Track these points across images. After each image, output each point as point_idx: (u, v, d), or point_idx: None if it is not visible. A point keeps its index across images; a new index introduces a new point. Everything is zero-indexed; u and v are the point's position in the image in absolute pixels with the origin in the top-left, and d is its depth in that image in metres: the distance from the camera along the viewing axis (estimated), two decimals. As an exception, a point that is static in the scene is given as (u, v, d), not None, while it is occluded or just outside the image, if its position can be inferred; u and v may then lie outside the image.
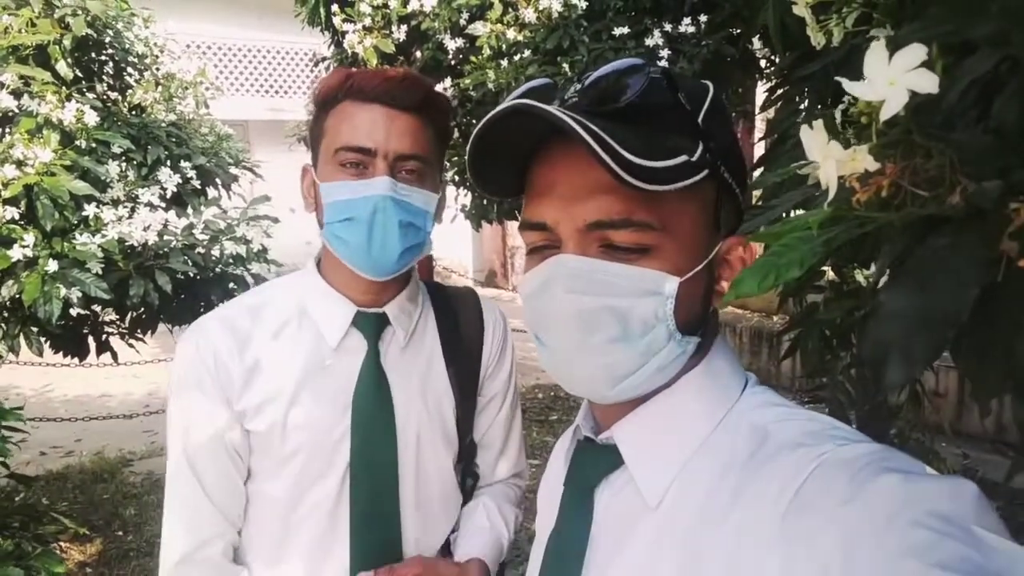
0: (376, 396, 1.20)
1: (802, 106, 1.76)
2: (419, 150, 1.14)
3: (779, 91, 2.02)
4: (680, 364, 0.70)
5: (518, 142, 0.69)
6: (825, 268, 2.08)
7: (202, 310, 2.62)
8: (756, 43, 2.84)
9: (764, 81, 3.43)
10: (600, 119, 0.62)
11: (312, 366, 1.19)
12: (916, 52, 0.41)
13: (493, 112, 0.64)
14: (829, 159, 0.43)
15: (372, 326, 1.22)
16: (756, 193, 1.55)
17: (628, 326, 0.66)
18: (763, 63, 3.16)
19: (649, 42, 2.78)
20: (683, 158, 0.65)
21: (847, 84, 0.42)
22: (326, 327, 1.20)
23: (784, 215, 1.23)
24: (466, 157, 0.70)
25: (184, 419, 1.17)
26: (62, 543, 3.60)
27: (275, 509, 1.20)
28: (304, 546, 1.19)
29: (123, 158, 2.58)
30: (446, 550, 1.29)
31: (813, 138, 0.44)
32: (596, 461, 0.77)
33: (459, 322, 1.34)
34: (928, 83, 0.41)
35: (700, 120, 0.69)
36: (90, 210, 2.28)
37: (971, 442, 4.61)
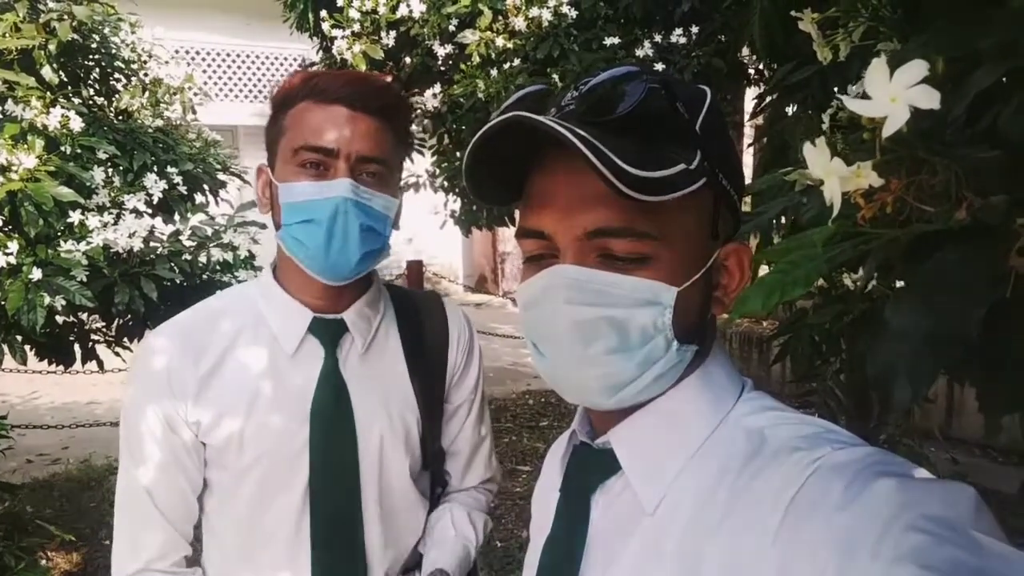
0: (335, 405, 1.18)
1: (790, 111, 1.76)
2: (381, 153, 1.12)
3: (767, 99, 2.02)
4: (679, 372, 0.70)
5: (516, 151, 0.69)
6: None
7: (189, 317, 2.59)
8: (745, 51, 2.86)
9: (752, 88, 3.45)
10: (597, 128, 0.62)
11: (269, 375, 1.16)
12: (917, 68, 0.40)
13: (489, 124, 0.64)
14: (832, 176, 0.42)
15: (329, 333, 1.19)
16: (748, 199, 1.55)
17: (627, 336, 0.66)
18: (751, 72, 3.18)
19: (639, 52, 2.79)
20: (681, 167, 0.64)
21: (848, 101, 0.41)
22: (282, 334, 1.17)
23: (772, 221, 1.23)
24: (463, 167, 0.69)
25: (135, 431, 1.15)
26: (48, 551, 3.56)
27: (235, 525, 1.17)
28: (267, 561, 1.17)
29: (109, 164, 2.56)
30: (414, 558, 1.28)
31: (815, 155, 0.43)
32: (592, 466, 0.76)
33: (423, 328, 1.31)
34: (930, 99, 0.40)
35: (698, 127, 0.68)
36: (75, 217, 2.25)
37: (961, 447, 4.63)
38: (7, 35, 2.41)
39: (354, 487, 1.19)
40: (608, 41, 2.80)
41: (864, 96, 0.40)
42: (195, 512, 1.19)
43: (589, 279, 0.66)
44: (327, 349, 1.18)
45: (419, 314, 1.33)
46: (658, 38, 2.80)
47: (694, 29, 2.78)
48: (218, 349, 1.16)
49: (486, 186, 0.73)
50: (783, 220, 1.28)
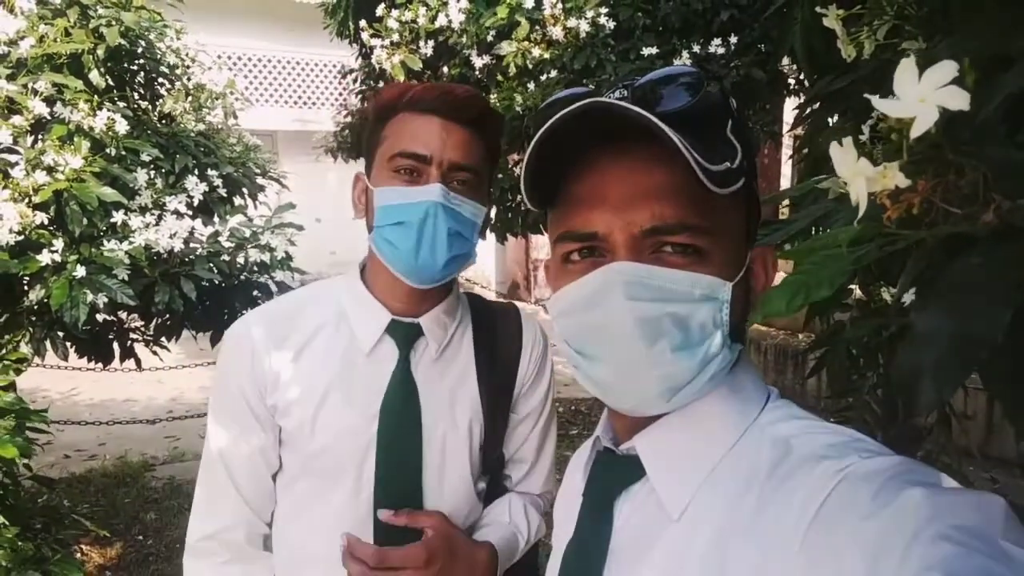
0: (404, 406, 1.21)
1: (831, 123, 1.74)
2: (471, 161, 1.16)
3: (808, 109, 2.00)
4: (726, 372, 0.69)
5: (569, 148, 0.68)
6: (852, 286, 2.05)
7: (226, 317, 2.64)
8: (785, 61, 2.84)
9: (792, 99, 3.42)
10: (663, 121, 0.61)
11: (344, 369, 1.20)
12: (947, 69, 0.40)
13: (572, 107, 0.62)
14: (859, 176, 0.42)
15: (405, 335, 1.22)
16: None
17: (688, 333, 0.66)
18: (791, 81, 3.15)
19: (677, 62, 2.78)
20: (726, 164, 0.64)
21: (876, 102, 0.41)
22: (361, 332, 1.21)
23: (813, 230, 1.22)
24: (525, 159, 0.68)
25: (219, 412, 1.22)
26: (83, 546, 3.63)
27: (300, 506, 1.21)
28: (328, 548, 1.18)
29: (151, 166, 2.61)
30: None
31: (842, 155, 0.43)
32: (616, 472, 0.76)
33: (497, 338, 1.34)
34: (959, 100, 0.40)
35: (735, 128, 0.69)
36: (118, 217, 2.30)
37: (1001, 466, 4.52)
38: (58, 40, 2.48)
39: (416, 486, 1.21)
40: (646, 51, 2.80)
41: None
42: (271, 495, 1.23)
43: (650, 275, 0.65)
44: (401, 351, 1.22)
45: (495, 324, 1.36)
46: (696, 48, 2.79)
47: (733, 39, 2.76)
48: (300, 338, 1.21)
49: (539, 184, 0.71)
50: (815, 230, 1.27)
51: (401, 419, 1.20)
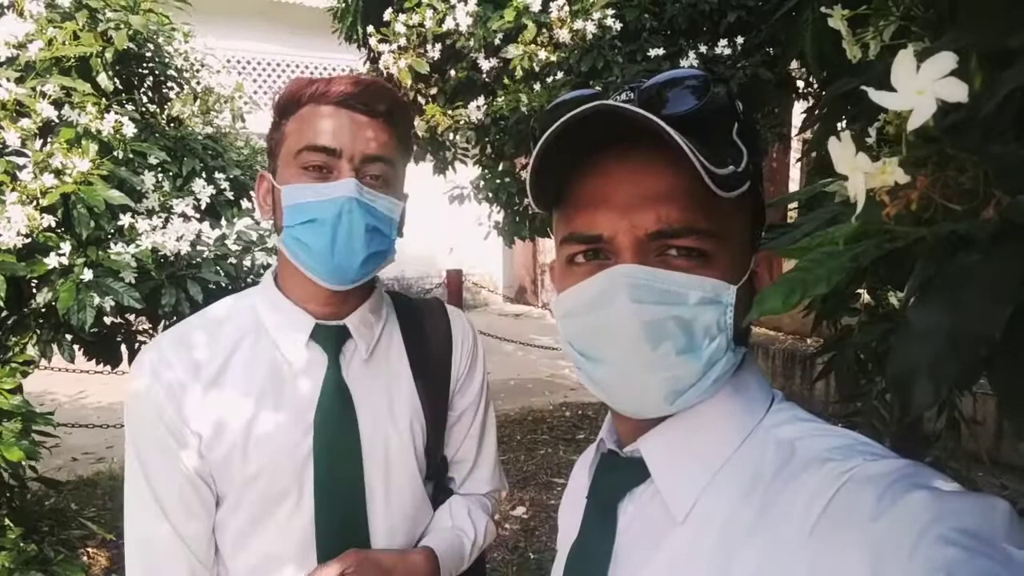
0: (340, 412, 1.15)
1: (840, 126, 1.73)
2: (385, 153, 1.12)
3: (816, 112, 2.00)
4: (729, 376, 0.70)
5: (575, 150, 0.68)
6: (860, 291, 2.05)
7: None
8: (793, 64, 2.83)
9: (801, 102, 3.42)
10: (669, 124, 0.61)
11: (271, 383, 1.14)
12: (946, 60, 0.39)
13: (579, 110, 0.63)
14: (857, 172, 0.41)
15: (332, 339, 1.17)
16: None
17: (693, 336, 0.66)
18: (799, 84, 3.14)
19: (684, 64, 2.78)
20: (732, 168, 0.65)
21: (873, 93, 0.40)
22: (283, 341, 1.15)
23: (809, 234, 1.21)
24: (531, 161, 0.68)
25: (143, 454, 1.12)
26: (89, 548, 3.63)
27: (241, 539, 1.14)
28: (271, 571, 1.14)
29: (159, 169, 2.62)
30: None
31: (840, 150, 0.43)
32: (620, 474, 0.76)
33: (426, 334, 1.29)
34: (957, 92, 0.40)
35: (741, 132, 0.69)
36: (125, 220, 2.31)
37: (1011, 472, 4.49)
38: (66, 43, 2.49)
39: (359, 496, 1.16)
40: (652, 52, 2.79)
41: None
42: (212, 540, 1.15)
43: (655, 278, 0.65)
44: (330, 356, 1.17)
45: (422, 320, 1.31)
46: (703, 49, 2.78)
47: (740, 40, 2.76)
48: (218, 358, 1.14)
49: (545, 185, 0.72)
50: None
51: (338, 429, 1.15)
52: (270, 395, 1.14)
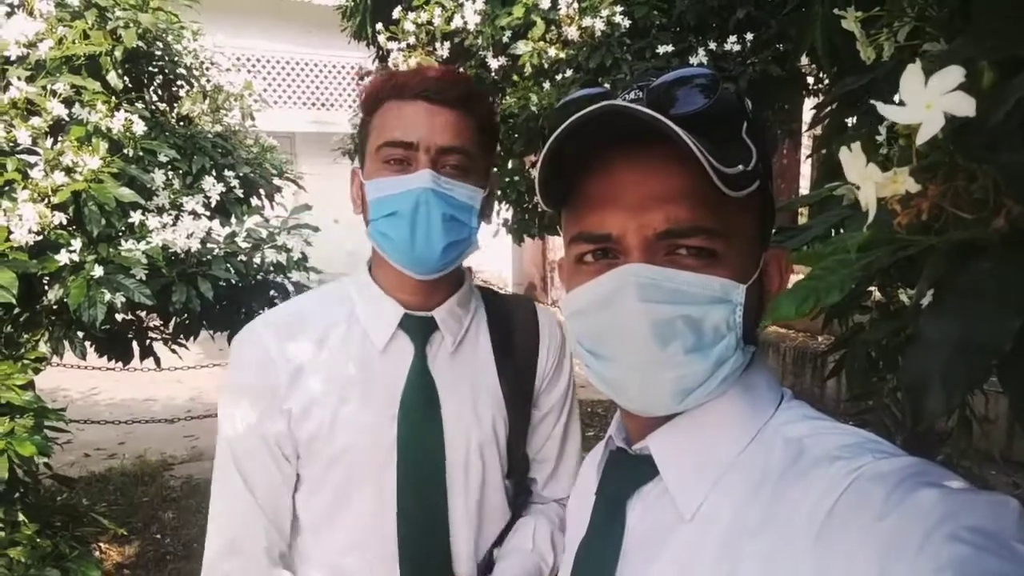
0: (423, 403, 1.17)
1: (850, 123, 1.72)
2: (461, 143, 1.12)
3: (827, 108, 1.98)
4: (738, 375, 0.69)
5: (583, 149, 0.68)
6: (871, 288, 2.04)
7: (243, 317, 2.65)
8: (803, 60, 2.81)
9: (811, 98, 3.39)
10: (678, 123, 0.61)
11: (359, 369, 1.17)
12: (953, 74, 0.39)
13: (587, 110, 0.63)
14: (868, 181, 0.41)
15: (419, 329, 1.19)
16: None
17: (702, 335, 0.66)
18: (810, 80, 3.12)
19: (693, 60, 2.77)
20: (741, 167, 0.64)
21: (881, 108, 0.40)
22: (372, 329, 1.18)
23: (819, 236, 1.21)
24: (540, 160, 0.68)
25: (232, 423, 1.17)
26: (101, 544, 3.66)
27: (320, 520, 1.18)
28: (352, 556, 1.16)
29: (169, 167, 2.64)
30: (487, 564, 1.24)
31: (852, 160, 0.42)
32: (629, 472, 0.76)
33: (513, 331, 1.30)
34: (965, 106, 0.39)
35: (751, 130, 0.69)
36: (136, 217, 2.32)
37: (1023, 471, 4.46)
38: (76, 42, 2.50)
39: (440, 486, 1.18)
40: (661, 49, 2.78)
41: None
42: (289, 508, 1.18)
43: (664, 277, 0.65)
44: (416, 346, 1.19)
45: (510, 316, 1.31)
46: (712, 45, 2.77)
47: (749, 36, 2.74)
48: (310, 342, 1.18)
49: (554, 185, 0.72)
50: (833, 234, 1.26)
51: (422, 419, 1.17)
52: (358, 381, 1.17)
